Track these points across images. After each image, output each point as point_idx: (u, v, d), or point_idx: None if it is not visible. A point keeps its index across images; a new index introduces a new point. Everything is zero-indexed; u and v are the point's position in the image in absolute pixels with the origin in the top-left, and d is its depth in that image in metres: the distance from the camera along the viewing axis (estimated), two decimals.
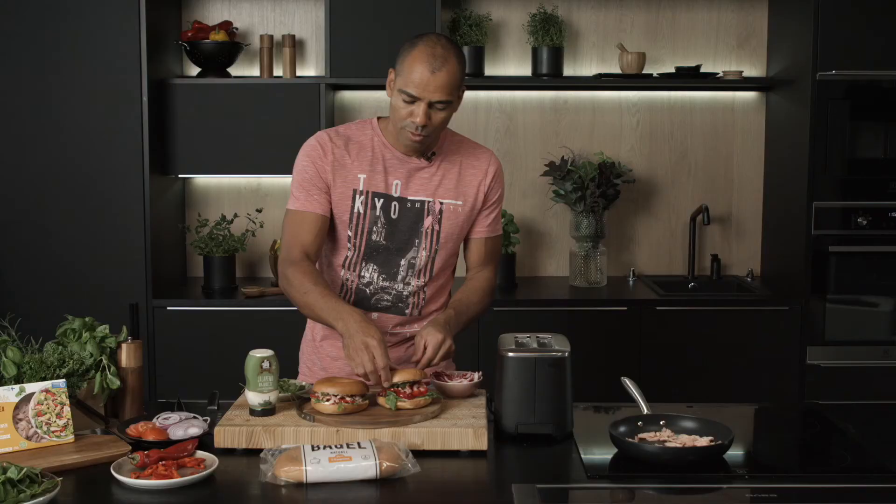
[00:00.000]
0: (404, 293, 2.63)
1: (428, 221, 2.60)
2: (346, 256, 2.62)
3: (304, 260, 2.54)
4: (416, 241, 2.60)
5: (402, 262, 2.61)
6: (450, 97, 2.45)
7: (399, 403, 2.29)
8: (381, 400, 2.33)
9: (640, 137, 4.76)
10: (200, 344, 4.19)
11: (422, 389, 2.32)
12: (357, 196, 2.57)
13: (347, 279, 2.64)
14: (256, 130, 4.30)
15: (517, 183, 4.75)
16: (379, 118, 2.64)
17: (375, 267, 2.61)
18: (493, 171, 2.66)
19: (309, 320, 2.76)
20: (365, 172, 2.57)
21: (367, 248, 2.60)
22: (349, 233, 2.59)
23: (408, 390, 2.31)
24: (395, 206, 2.58)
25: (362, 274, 2.62)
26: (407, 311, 2.65)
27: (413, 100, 2.43)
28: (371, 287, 2.63)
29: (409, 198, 2.59)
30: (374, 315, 2.63)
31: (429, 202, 2.60)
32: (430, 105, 2.44)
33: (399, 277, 2.62)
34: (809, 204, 4.21)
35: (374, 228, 2.58)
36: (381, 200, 2.58)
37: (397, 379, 2.31)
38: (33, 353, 2.36)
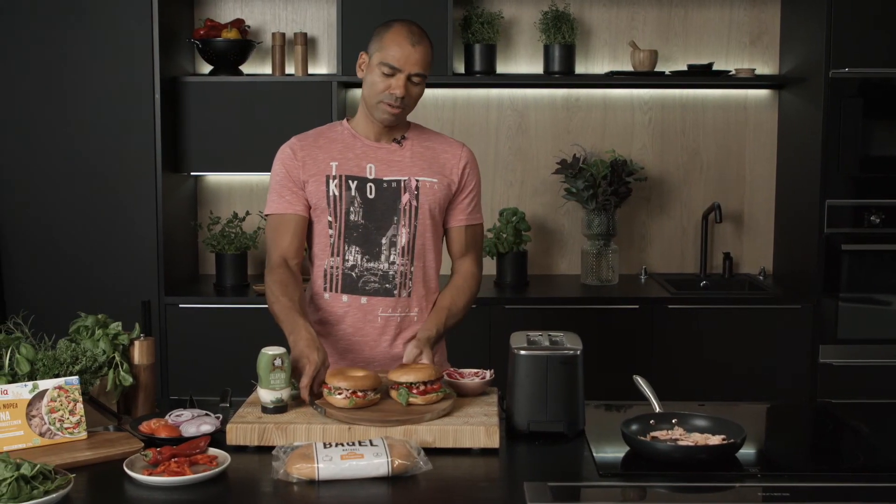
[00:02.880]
0: (390, 272, 2.66)
1: (405, 198, 2.65)
2: (330, 243, 2.67)
3: (281, 266, 2.65)
4: (395, 217, 2.65)
5: (384, 241, 2.66)
6: (426, 71, 2.60)
7: (410, 399, 2.30)
8: (393, 394, 2.34)
9: (652, 135, 4.75)
10: (212, 341, 4.20)
11: (434, 386, 2.33)
12: (331, 181, 2.64)
13: (332, 267, 2.68)
14: (268, 128, 4.30)
15: (529, 181, 4.75)
16: (348, 118, 2.76)
17: (358, 248, 2.66)
18: (466, 157, 2.76)
19: None
20: (336, 160, 2.66)
21: (347, 229, 2.65)
22: (329, 218, 2.65)
23: (421, 387, 2.31)
24: (370, 186, 2.65)
25: (346, 258, 2.67)
26: (395, 292, 2.67)
27: (393, 73, 2.56)
28: (356, 270, 2.67)
29: (385, 178, 2.66)
30: (364, 300, 2.66)
31: (404, 180, 2.66)
32: (409, 78, 2.57)
33: (382, 257, 2.66)
34: (822, 202, 4.19)
35: (352, 209, 2.64)
36: (356, 182, 2.65)
37: (412, 378, 2.32)
38: (46, 350, 2.37)
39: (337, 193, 2.64)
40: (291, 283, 2.61)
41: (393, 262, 2.66)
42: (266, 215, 2.73)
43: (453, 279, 2.78)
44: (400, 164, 2.67)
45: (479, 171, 2.81)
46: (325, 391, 2.31)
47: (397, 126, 2.69)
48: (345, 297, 2.67)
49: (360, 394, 2.28)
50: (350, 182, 2.64)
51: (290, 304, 2.54)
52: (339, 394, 2.28)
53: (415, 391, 2.31)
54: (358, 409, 2.27)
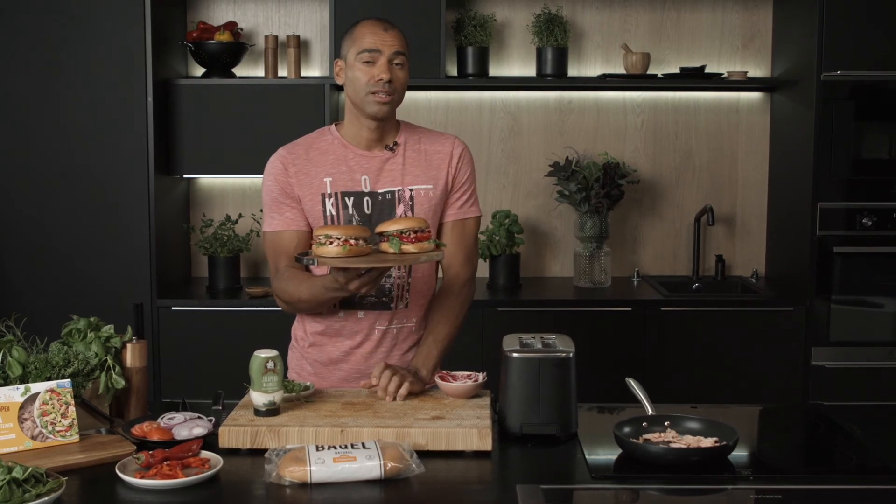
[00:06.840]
0: (386, 286, 2.62)
1: (400, 210, 2.60)
2: None
3: (287, 269, 2.58)
4: None
5: None
6: (405, 51, 2.56)
7: (403, 247, 2.32)
8: (384, 245, 2.36)
9: (644, 138, 4.75)
10: (205, 344, 4.19)
11: (425, 234, 2.35)
12: (326, 199, 2.59)
13: None
14: (261, 131, 4.30)
15: (521, 183, 4.75)
16: (336, 123, 2.69)
17: None
18: (458, 153, 2.68)
19: (293, 328, 2.79)
20: (331, 175, 2.60)
21: None
22: None
23: (411, 235, 2.33)
24: (367, 201, 2.60)
25: None
26: (392, 305, 2.64)
27: (373, 58, 2.52)
28: None
29: (379, 190, 2.61)
30: (361, 314, 2.64)
31: (398, 191, 2.61)
32: (390, 61, 2.52)
33: None
34: (814, 204, 4.20)
35: None
36: (352, 198, 2.59)
37: (401, 226, 2.34)
38: (38, 353, 2.36)
39: (334, 213, 2.58)
40: (300, 273, 2.58)
41: (389, 276, 2.61)
42: (265, 232, 2.65)
43: (446, 299, 2.68)
44: (393, 174, 2.61)
45: (474, 163, 2.73)
46: (315, 245, 2.32)
47: (388, 130, 2.63)
48: (341, 313, 2.64)
49: (352, 241, 2.28)
50: (346, 199, 2.59)
51: (308, 279, 2.51)
52: (331, 243, 2.28)
53: (406, 239, 2.33)
54: (351, 256, 2.27)
